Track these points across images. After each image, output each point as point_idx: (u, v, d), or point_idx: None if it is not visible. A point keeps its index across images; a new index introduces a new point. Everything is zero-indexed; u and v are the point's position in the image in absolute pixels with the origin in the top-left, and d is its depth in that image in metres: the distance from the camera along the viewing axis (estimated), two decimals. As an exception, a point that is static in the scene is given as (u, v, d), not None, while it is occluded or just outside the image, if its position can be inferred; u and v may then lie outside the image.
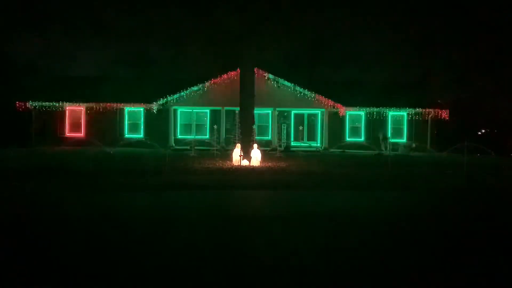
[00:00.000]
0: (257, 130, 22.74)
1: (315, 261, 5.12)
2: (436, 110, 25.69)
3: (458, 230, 6.88)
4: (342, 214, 7.89)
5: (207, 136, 25.51)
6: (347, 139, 26.05)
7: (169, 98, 25.17)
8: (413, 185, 11.84)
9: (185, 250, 5.50)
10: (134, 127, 26.35)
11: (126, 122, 26.41)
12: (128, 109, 26.24)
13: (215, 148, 22.16)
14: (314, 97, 25.06)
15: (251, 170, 14.80)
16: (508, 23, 25.94)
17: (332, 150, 24.18)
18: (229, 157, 17.79)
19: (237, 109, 20.54)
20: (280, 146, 23.79)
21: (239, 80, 18.08)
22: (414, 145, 24.56)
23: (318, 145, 25.85)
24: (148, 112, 25.98)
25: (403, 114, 26.23)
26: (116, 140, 22.89)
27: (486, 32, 27.72)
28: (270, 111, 25.89)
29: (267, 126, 26.22)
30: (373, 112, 25.87)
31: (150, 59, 32.17)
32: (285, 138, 25.41)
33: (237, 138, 19.65)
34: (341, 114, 25.81)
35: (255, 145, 16.80)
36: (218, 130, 25.01)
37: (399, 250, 5.66)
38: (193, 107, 26.07)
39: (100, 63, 31.00)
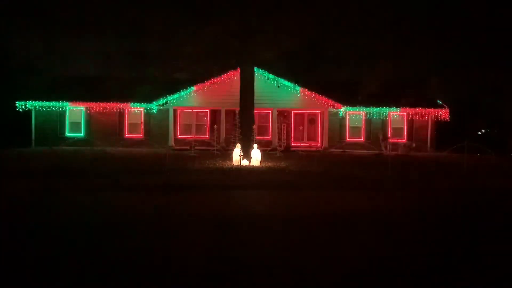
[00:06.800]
0: (257, 130, 22.72)
1: (313, 262, 5.12)
2: (436, 110, 25.66)
3: (458, 230, 6.88)
4: (341, 214, 7.88)
5: (207, 136, 25.52)
6: (347, 139, 26.05)
7: (169, 98, 25.14)
8: (413, 185, 11.84)
9: (184, 249, 5.50)
10: (134, 127, 26.33)
11: (126, 122, 26.41)
12: (128, 109, 26.24)
13: (215, 148, 22.17)
14: (314, 97, 25.03)
15: (251, 170, 14.80)
16: (509, 22, 25.90)
17: (332, 150, 24.17)
18: (229, 157, 17.79)
19: (237, 109, 20.53)
20: (280, 146, 23.78)
21: (239, 80, 18.05)
22: (414, 145, 24.55)
23: (318, 145, 25.84)
24: (148, 112, 25.98)
25: (403, 114, 26.22)
26: (116, 140, 22.87)
27: (487, 31, 27.71)
28: (270, 111, 25.87)
29: (267, 126, 26.19)
30: (373, 112, 25.85)
31: (150, 59, 32.12)
32: (285, 138, 25.39)
33: (237, 138, 19.65)
34: (341, 114, 25.80)
35: (255, 145, 16.79)
36: (218, 130, 24.99)
37: (398, 250, 5.66)
38: (193, 107, 26.06)
39: (100, 63, 30.93)
